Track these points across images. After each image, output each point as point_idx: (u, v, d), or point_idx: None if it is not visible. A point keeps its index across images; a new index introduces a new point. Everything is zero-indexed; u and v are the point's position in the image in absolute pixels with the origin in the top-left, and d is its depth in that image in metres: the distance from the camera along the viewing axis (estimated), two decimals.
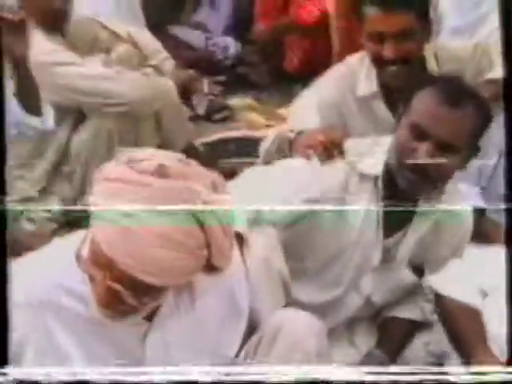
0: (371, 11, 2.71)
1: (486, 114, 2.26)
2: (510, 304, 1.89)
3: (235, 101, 3.82)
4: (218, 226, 1.74)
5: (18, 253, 2.15)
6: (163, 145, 3.07)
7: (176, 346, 1.96)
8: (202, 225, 1.69)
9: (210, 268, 1.78)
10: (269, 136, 2.79)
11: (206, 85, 3.62)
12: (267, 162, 2.67)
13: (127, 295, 1.74)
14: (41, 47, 2.72)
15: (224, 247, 1.78)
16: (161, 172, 1.69)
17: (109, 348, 1.93)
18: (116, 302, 1.77)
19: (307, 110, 2.83)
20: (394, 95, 2.69)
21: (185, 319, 1.96)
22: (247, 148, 3.35)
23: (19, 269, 2.02)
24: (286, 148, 2.69)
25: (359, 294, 2.39)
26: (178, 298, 1.95)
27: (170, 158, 1.76)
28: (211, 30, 4.14)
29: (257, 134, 3.43)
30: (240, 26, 4.14)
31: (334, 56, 3.67)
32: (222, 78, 3.90)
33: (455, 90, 2.25)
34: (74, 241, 1.84)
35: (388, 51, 2.68)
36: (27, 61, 2.59)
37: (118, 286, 1.74)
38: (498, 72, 2.83)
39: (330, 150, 2.43)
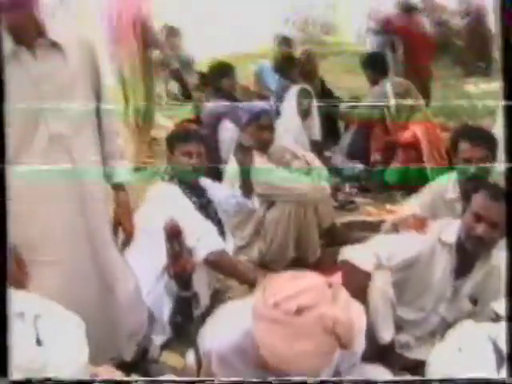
0: (464, 146, 3.28)
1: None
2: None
3: (359, 199, 4.49)
4: (344, 333, 1.87)
5: None
6: (320, 223, 3.76)
7: None
8: (337, 337, 1.86)
9: (343, 347, 1.92)
10: (388, 221, 3.31)
11: (347, 189, 4.41)
12: (386, 232, 3.25)
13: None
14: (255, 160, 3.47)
15: (351, 339, 1.91)
16: (300, 311, 1.83)
17: None
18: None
19: (412, 206, 3.33)
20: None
21: None
22: (365, 227, 4.02)
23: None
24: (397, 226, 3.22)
25: (438, 315, 2.86)
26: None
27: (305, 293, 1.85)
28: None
29: (371, 219, 4.17)
30: (361, 153, 4.93)
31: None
32: (354, 188, 4.61)
33: (496, 192, 2.72)
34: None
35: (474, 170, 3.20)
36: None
37: None
38: None
39: (421, 227, 3.01)
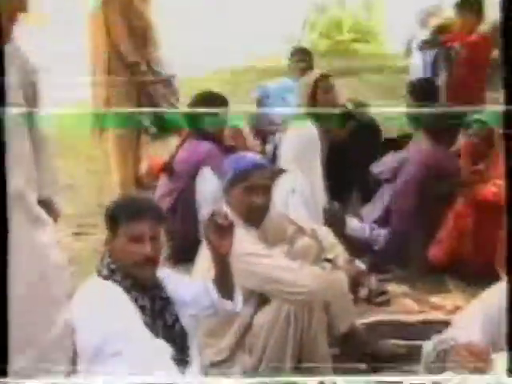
0: None
1: None
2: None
3: (393, 287, 3.56)
4: None
5: None
6: (333, 325, 2.88)
7: None
8: None
9: None
10: (429, 342, 2.36)
11: (373, 280, 3.39)
12: (427, 365, 2.32)
13: None
14: (238, 239, 2.47)
15: None
16: None
17: None
18: None
19: (471, 321, 2.43)
20: None
21: None
22: (401, 331, 3.15)
23: None
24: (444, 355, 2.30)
25: None
26: None
27: None
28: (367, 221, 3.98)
29: (410, 318, 3.24)
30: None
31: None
32: (387, 276, 3.63)
33: None
34: None
35: None
36: (228, 256, 2.40)
37: None
38: None
39: (481, 362, 2.29)
